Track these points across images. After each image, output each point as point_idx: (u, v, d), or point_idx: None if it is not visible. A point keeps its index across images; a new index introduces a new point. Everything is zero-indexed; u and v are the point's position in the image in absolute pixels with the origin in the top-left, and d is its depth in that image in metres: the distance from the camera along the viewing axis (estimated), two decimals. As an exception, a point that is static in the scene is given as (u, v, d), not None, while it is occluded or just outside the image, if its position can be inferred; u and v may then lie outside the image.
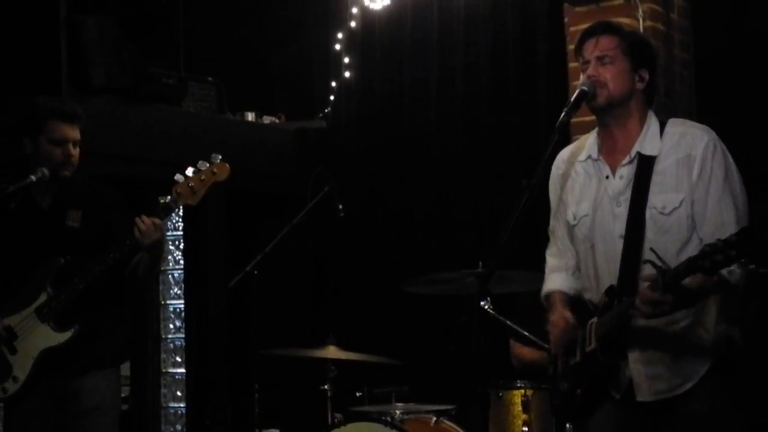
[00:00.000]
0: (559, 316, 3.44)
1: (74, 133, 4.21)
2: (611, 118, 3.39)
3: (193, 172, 4.10)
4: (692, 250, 3.16)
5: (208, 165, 4.11)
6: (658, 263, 3.00)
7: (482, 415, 3.37)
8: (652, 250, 3.06)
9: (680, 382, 3.26)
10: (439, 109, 6.31)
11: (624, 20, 5.32)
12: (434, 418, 4.71)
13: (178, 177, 4.10)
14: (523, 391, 4.45)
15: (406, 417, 4.69)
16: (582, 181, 3.46)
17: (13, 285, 4.20)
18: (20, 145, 4.23)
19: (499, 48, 6.10)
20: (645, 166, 3.32)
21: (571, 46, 5.51)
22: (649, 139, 3.35)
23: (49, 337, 4.11)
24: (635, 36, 3.55)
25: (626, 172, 3.36)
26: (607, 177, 3.38)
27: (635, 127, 3.38)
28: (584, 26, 5.34)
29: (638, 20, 5.36)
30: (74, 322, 4.11)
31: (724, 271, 3.02)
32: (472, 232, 5.97)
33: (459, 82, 6.24)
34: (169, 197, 4.12)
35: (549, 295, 3.56)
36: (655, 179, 3.29)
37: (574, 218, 3.45)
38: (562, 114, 3.30)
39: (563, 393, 3.33)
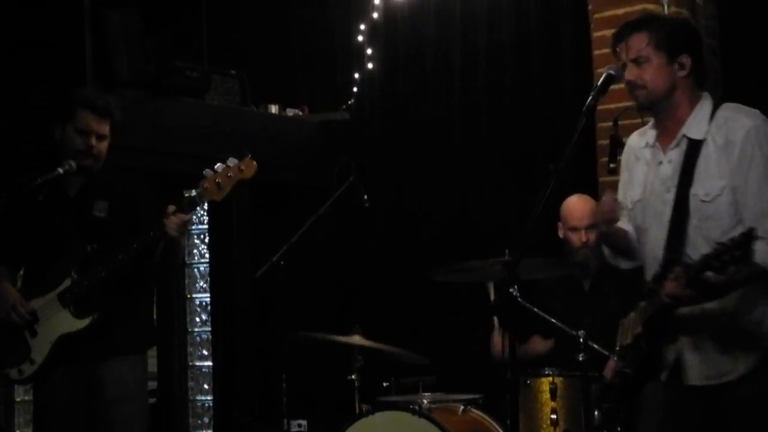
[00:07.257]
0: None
1: (100, 127, 4.24)
2: (658, 111, 3.40)
3: (221, 168, 4.08)
4: None
5: (236, 162, 4.09)
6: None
7: (511, 402, 3.34)
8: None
9: (731, 368, 3.25)
10: (463, 99, 6.28)
11: (648, 6, 5.29)
12: (462, 407, 4.71)
13: (206, 172, 4.09)
14: (551, 378, 4.41)
15: (433, 406, 4.68)
16: (642, 167, 3.49)
17: (40, 270, 4.25)
18: (51, 133, 4.27)
19: (522, 35, 6.06)
20: (692, 150, 3.32)
21: (596, 33, 5.49)
22: (697, 123, 3.34)
23: (68, 323, 4.15)
24: (667, 25, 3.44)
25: (674, 156, 3.37)
26: (660, 163, 3.40)
27: (685, 112, 3.37)
28: (608, 13, 5.42)
29: (663, 6, 5.32)
30: (94, 310, 4.14)
31: (759, 260, 3.04)
32: (497, 219, 5.95)
33: (482, 71, 6.21)
34: (194, 191, 4.12)
35: None
36: (700, 165, 3.29)
37: (630, 203, 3.49)
38: (589, 98, 3.29)
39: (618, 372, 3.38)
